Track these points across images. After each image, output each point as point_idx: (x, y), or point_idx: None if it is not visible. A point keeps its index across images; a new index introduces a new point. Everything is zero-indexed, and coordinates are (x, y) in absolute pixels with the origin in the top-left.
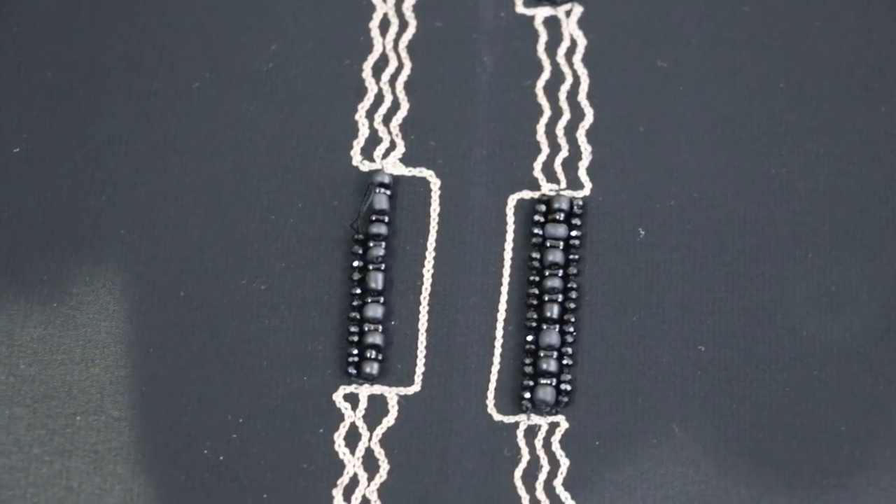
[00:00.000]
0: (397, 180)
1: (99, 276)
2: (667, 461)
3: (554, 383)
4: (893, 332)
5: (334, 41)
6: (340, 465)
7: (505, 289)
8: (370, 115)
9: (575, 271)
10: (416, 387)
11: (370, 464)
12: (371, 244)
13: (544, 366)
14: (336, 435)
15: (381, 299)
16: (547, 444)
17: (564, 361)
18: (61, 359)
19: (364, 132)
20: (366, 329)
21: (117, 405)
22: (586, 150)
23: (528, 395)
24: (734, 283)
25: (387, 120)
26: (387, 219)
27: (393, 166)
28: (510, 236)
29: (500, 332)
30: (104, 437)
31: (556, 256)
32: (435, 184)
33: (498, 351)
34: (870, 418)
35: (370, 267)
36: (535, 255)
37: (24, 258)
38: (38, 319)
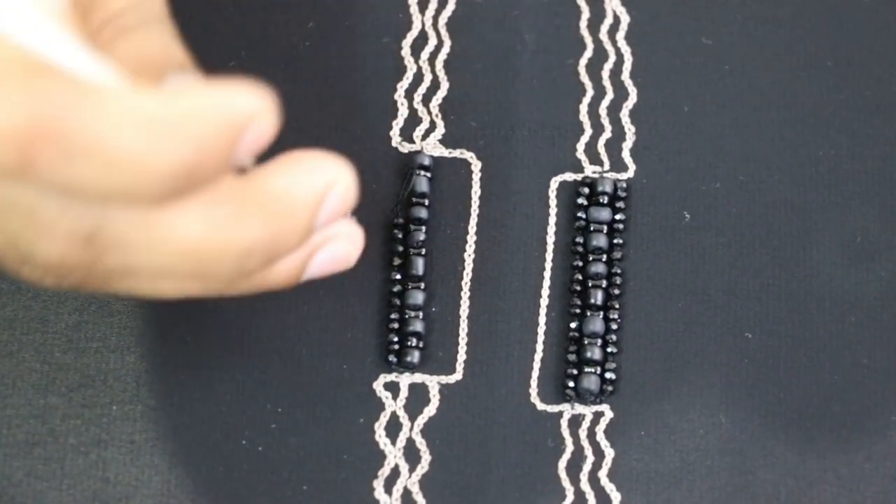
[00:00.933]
0: (437, 162)
1: None
2: (713, 452)
3: (598, 372)
4: None
5: (372, 18)
6: (381, 456)
7: (548, 274)
8: (409, 94)
9: (619, 256)
10: (457, 375)
11: (411, 454)
12: (411, 228)
13: (588, 354)
14: (377, 425)
15: (422, 285)
16: (591, 435)
17: (609, 349)
18: (96, 346)
19: (403, 112)
20: (406, 316)
21: (154, 394)
22: (630, 130)
23: (571, 383)
24: (781, 269)
25: (426, 100)
26: (427, 202)
27: (433, 148)
28: (553, 220)
29: (542, 319)
30: (141, 426)
31: (599, 241)
32: (476, 166)
33: (541, 338)
34: None
35: (411, 252)
36: (579, 239)
37: None
38: (73, 306)
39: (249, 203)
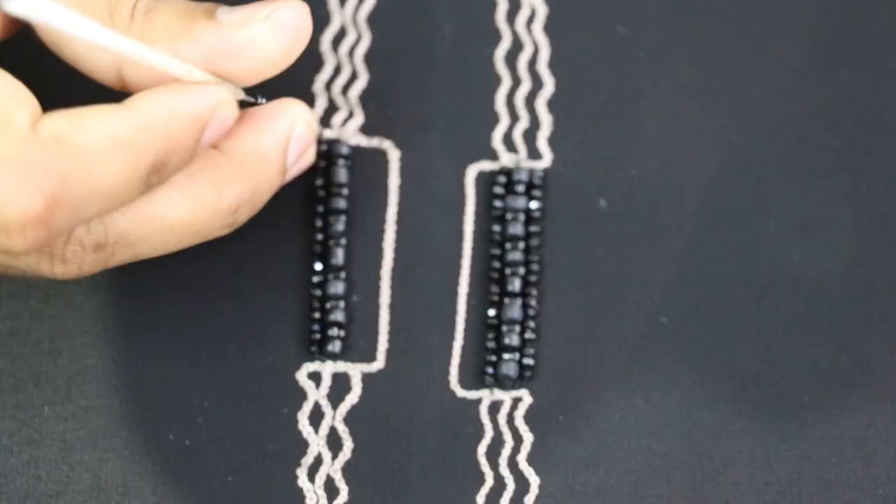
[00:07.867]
0: (356, 152)
1: None
2: (630, 435)
3: (517, 358)
4: (859, 308)
5: None
6: (304, 445)
7: (466, 262)
8: (328, 86)
9: (536, 244)
10: (379, 363)
11: (334, 442)
12: (331, 219)
13: (507, 340)
14: (300, 414)
15: (343, 275)
16: (510, 420)
17: (527, 335)
18: (29, 351)
19: (322, 103)
20: (328, 306)
21: (84, 394)
22: (546, 119)
23: (490, 370)
24: (697, 254)
25: (345, 91)
26: (346, 192)
27: (352, 135)
28: (470, 208)
29: (462, 307)
30: (71, 426)
31: (516, 229)
32: (394, 155)
33: (460, 326)
34: (832, 389)
35: (331, 242)
36: (496, 227)
37: None
38: (7, 313)
39: (224, 168)
